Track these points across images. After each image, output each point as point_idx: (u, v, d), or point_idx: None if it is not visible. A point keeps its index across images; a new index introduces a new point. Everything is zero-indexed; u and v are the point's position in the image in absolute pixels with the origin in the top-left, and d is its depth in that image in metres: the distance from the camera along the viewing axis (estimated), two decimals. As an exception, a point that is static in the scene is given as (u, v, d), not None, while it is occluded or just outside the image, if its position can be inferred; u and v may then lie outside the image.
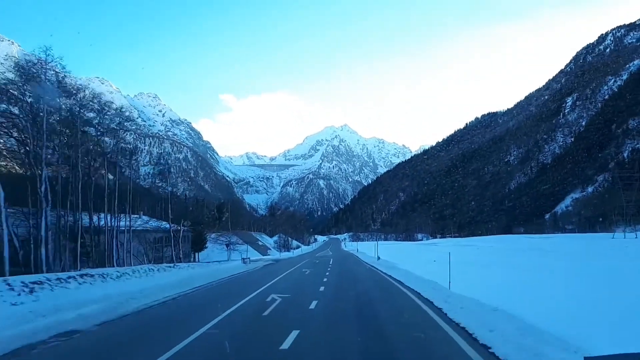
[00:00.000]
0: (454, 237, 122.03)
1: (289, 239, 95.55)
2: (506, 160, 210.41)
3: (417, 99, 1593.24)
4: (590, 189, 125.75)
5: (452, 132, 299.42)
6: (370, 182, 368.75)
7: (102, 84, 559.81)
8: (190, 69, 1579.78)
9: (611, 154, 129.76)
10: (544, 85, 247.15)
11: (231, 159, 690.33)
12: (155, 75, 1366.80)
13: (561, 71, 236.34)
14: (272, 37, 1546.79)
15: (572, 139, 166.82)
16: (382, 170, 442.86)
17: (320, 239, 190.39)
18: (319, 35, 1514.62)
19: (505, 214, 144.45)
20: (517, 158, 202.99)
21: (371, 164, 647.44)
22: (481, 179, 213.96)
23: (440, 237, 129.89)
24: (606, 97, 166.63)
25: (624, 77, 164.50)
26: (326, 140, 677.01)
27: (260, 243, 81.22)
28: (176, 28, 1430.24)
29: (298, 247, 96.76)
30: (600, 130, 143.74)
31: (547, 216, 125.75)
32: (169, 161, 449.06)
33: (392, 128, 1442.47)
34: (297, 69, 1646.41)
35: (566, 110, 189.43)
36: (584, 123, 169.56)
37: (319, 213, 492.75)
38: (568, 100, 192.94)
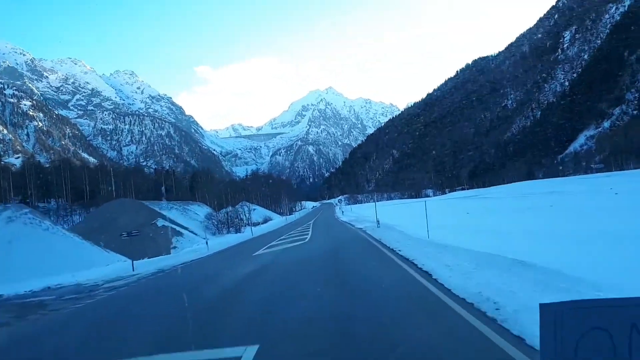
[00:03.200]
0: (464, 189, 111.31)
1: (247, 209, 59.83)
2: (503, 104, 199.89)
3: (402, 55, 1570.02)
4: (606, 124, 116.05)
5: (442, 81, 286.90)
6: (360, 143, 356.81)
7: (75, 64, 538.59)
8: (164, 43, 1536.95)
9: (626, 84, 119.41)
10: (535, 24, 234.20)
11: (217, 132, 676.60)
12: (130, 52, 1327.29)
13: (553, 7, 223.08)
14: (245, 2, 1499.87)
15: (575, 75, 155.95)
16: (371, 131, 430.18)
17: (309, 205, 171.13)
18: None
19: (511, 160, 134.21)
20: (515, 101, 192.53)
21: (359, 125, 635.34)
22: (480, 127, 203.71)
23: (450, 192, 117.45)
24: (609, 26, 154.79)
25: (627, 3, 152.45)
26: (312, 104, 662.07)
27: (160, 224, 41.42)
28: (145, 1, 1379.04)
29: (266, 220, 63.08)
30: (609, 61, 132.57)
31: (559, 157, 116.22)
32: (152, 139, 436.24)
33: (378, 87, 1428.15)
34: (275, 33, 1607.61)
35: (565, 46, 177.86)
36: (586, 57, 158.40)
37: (311, 180, 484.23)
38: (566, 35, 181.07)
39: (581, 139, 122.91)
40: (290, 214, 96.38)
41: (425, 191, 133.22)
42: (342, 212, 66.89)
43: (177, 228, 40.56)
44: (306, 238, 23.75)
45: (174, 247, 34.42)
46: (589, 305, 1.06)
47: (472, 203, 45.07)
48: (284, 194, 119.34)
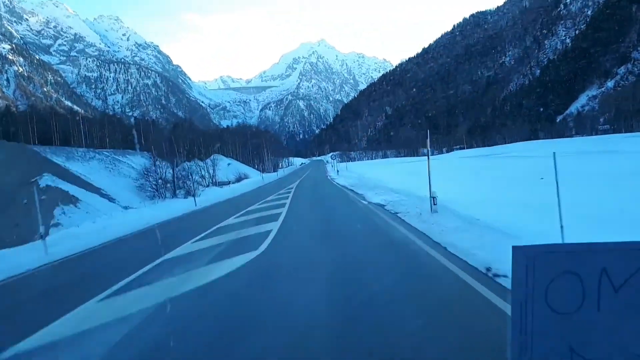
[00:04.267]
0: (463, 148, 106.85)
1: (210, 164, 49.35)
2: (501, 61, 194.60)
3: (398, 7, 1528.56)
4: (610, 84, 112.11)
5: (439, 36, 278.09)
6: (352, 99, 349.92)
7: (57, 7, 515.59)
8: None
9: (633, 42, 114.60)
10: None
11: (205, 83, 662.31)
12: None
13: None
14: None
15: (577, 32, 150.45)
16: (363, 87, 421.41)
17: (298, 162, 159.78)
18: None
19: (508, 119, 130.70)
20: (513, 58, 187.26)
21: (352, 80, 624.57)
22: (476, 84, 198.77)
23: (447, 152, 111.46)
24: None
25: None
26: (303, 57, 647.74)
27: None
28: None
29: (240, 179, 52.08)
30: (614, 17, 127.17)
31: (560, 118, 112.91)
32: (137, 88, 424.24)
33: (371, 42, 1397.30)
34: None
35: (567, 1, 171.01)
36: (589, 12, 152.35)
37: (301, 136, 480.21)
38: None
39: (582, 99, 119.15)
40: (274, 171, 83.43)
41: (422, 150, 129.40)
42: (337, 171, 52.00)
43: (73, 191, 25.15)
44: (270, 231, 9.99)
45: (56, 224, 20.93)
46: (561, 249, 1.08)
47: (505, 163, 32.81)
48: (269, 148, 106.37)
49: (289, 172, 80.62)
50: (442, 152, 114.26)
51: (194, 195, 24.93)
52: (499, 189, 15.07)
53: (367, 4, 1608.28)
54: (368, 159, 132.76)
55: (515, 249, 1.09)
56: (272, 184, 38.15)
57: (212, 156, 64.33)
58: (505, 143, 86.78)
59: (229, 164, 60.86)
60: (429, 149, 10.78)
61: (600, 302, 1.04)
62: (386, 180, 24.70)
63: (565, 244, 1.09)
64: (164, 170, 33.49)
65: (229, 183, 44.78)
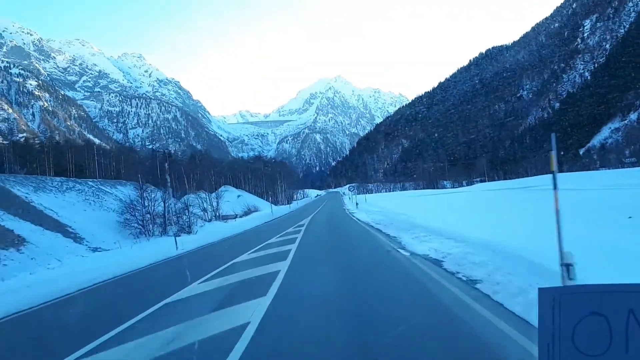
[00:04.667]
0: (483, 181, 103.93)
1: (214, 196, 43.54)
2: (519, 95, 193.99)
3: (413, 44, 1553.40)
4: (633, 117, 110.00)
5: (455, 70, 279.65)
6: (368, 132, 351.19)
7: (83, 46, 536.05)
8: (173, 27, 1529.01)
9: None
10: (551, 14, 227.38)
11: (224, 117, 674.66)
12: (139, 34, 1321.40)
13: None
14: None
15: (596, 65, 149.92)
16: (379, 120, 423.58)
17: (312, 193, 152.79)
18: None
19: (528, 152, 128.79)
20: (530, 92, 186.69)
21: (368, 115, 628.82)
22: (493, 118, 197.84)
23: (467, 184, 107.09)
24: (633, 13, 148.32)
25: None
26: (320, 92, 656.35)
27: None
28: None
29: (248, 213, 48.24)
30: (634, 50, 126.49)
31: (582, 151, 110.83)
32: (158, 122, 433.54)
33: (387, 77, 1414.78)
34: (285, 20, 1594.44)
35: (585, 35, 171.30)
36: (608, 46, 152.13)
37: (317, 168, 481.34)
38: (586, 24, 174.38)
39: (605, 131, 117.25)
40: (287, 203, 78.57)
41: (442, 182, 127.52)
42: (356, 204, 44.06)
43: (21, 229, 20.35)
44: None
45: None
46: (588, 290, 1.07)
47: (549, 196, 24.65)
48: (283, 180, 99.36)
49: (303, 204, 75.02)
50: (462, 185, 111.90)
51: (175, 237, 19.07)
52: (594, 232, 10.24)
53: (382, 40, 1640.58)
54: (386, 191, 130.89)
55: (541, 290, 1.08)
56: (281, 219, 34.01)
57: (221, 187, 61.37)
58: (527, 176, 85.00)
59: (238, 196, 57.31)
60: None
61: (629, 344, 1.02)
62: (420, 217, 20.33)
63: (591, 285, 1.08)
64: (153, 203, 27.77)
65: (235, 217, 40.42)
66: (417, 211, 26.05)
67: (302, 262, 10.38)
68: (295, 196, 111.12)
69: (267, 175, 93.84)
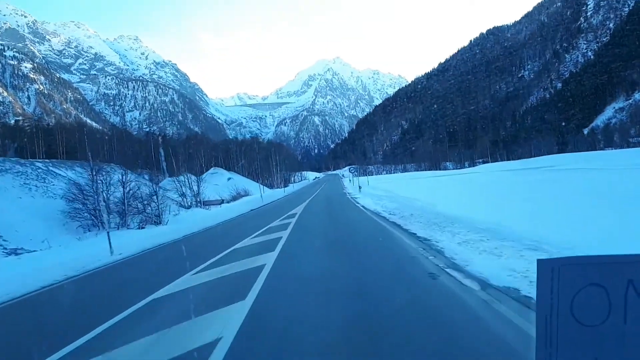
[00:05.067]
0: (486, 162, 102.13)
1: (194, 180, 36.34)
2: (520, 75, 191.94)
3: (412, 25, 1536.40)
4: (638, 96, 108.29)
5: (455, 51, 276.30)
6: (367, 114, 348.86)
7: (79, 28, 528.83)
8: (170, 8, 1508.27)
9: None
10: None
11: (222, 100, 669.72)
12: (135, 16, 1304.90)
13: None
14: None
15: (599, 45, 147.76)
16: (378, 102, 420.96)
17: (311, 176, 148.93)
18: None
19: (529, 133, 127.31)
20: (532, 72, 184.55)
21: (367, 96, 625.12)
22: (495, 98, 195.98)
23: (470, 166, 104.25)
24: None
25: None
26: (319, 74, 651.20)
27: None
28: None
29: (237, 197, 42.80)
30: (637, 29, 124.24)
31: (586, 131, 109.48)
32: (155, 105, 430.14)
33: (386, 58, 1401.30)
34: (282, 1, 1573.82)
35: (588, 14, 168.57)
36: (612, 25, 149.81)
37: (316, 151, 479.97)
38: (589, 3, 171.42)
39: (609, 111, 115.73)
40: (284, 186, 73.17)
41: (444, 163, 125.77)
42: (359, 187, 38.50)
43: None
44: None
45: None
46: (586, 261, 1.07)
47: (566, 177, 25.94)
48: (279, 162, 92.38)
49: (300, 187, 69.76)
50: (464, 166, 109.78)
51: (109, 236, 12.54)
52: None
53: (382, 21, 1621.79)
54: (386, 173, 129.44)
55: (540, 261, 1.09)
56: (272, 205, 29.45)
57: (210, 169, 57.51)
58: (531, 156, 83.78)
59: (229, 179, 53.21)
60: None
61: (627, 314, 1.03)
62: (441, 204, 15.72)
63: (591, 256, 1.08)
64: (107, 187, 20.81)
65: (220, 202, 35.37)
66: (432, 196, 21.33)
67: (274, 303, 5.32)
68: (292, 179, 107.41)
69: (263, 156, 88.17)
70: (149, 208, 22.16)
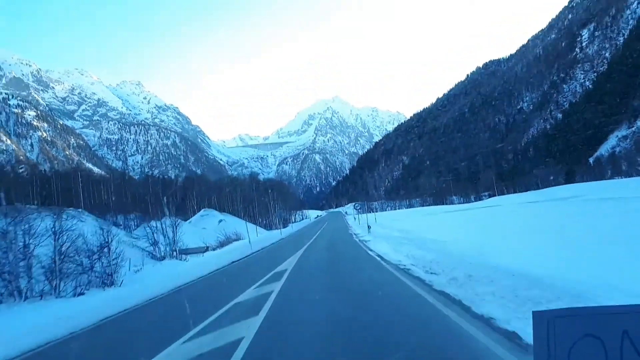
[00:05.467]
0: (492, 195, 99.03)
1: (168, 224, 28.15)
2: (519, 107, 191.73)
3: (409, 62, 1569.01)
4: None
5: (452, 85, 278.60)
6: (367, 150, 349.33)
7: (82, 75, 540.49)
8: (171, 54, 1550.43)
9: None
10: (547, 25, 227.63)
11: (224, 142, 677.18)
12: (137, 62, 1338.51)
13: (565, 7, 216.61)
14: (250, 14, 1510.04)
15: (596, 74, 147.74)
16: (378, 139, 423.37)
17: (312, 214, 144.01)
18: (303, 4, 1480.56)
19: (533, 164, 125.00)
20: (531, 103, 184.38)
21: (366, 133, 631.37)
22: (494, 131, 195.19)
23: (476, 200, 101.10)
24: (631, 21, 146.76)
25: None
26: (318, 113, 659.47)
27: None
28: (152, 12, 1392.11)
29: (225, 244, 36.43)
30: (636, 55, 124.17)
31: (591, 160, 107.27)
32: (157, 148, 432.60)
33: (384, 95, 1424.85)
34: (280, 44, 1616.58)
35: (583, 44, 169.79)
36: (608, 55, 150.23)
37: (318, 189, 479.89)
38: (584, 34, 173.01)
39: (612, 140, 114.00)
40: (284, 227, 68.38)
41: (450, 198, 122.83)
42: (368, 227, 31.55)
43: None
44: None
45: None
46: (582, 312, 1.07)
47: (595, 208, 22.64)
48: (277, 201, 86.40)
49: (300, 227, 63.66)
50: (470, 200, 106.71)
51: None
52: None
53: (379, 59, 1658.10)
54: (391, 209, 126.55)
55: (535, 314, 1.08)
56: (260, 254, 24.66)
57: (201, 211, 52.95)
58: (537, 188, 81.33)
59: (220, 221, 48.32)
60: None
61: None
62: (493, 251, 11.76)
63: (586, 308, 1.08)
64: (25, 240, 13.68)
65: (204, 250, 31.03)
66: (467, 237, 16.72)
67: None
68: (293, 218, 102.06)
69: (261, 196, 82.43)
70: (99, 264, 16.14)
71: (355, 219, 61.93)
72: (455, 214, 40.01)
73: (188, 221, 43.88)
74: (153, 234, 26.74)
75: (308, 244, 26.59)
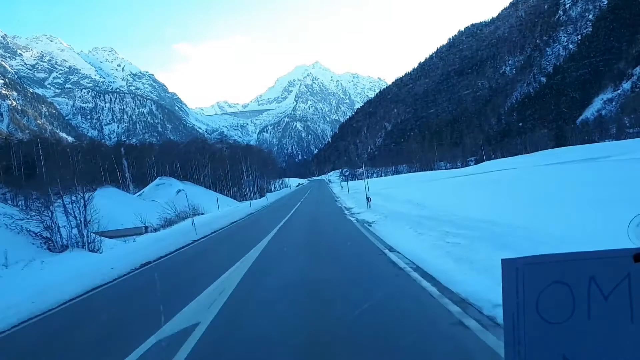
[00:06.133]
0: (478, 160, 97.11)
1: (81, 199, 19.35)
2: (502, 71, 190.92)
3: (390, 27, 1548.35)
4: (626, 86, 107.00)
5: (434, 50, 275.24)
6: (349, 117, 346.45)
7: (51, 41, 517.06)
8: (144, 19, 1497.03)
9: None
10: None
11: (202, 110, 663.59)
12: (109, 28, 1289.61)
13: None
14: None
15: (580, 36, 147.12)
16: (359, 106, 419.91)
17: (293, 183, 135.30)
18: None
19: (524, 126, 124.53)
20: (514, 67, 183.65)
21: (348, 100, 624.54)
22: (477, 95, 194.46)
23: (462, 166, 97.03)
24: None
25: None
26: (298, 80, 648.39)
27: None
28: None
29: (178, 220, 28.84)
30: (620, 17, 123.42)
31: (577, 123, 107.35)
32: (133, 117, 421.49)
33: (365, 61, 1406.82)
34: (258, 7, 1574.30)
35: (566, 6, 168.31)
36: (591, 17, 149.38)
37: (300, 157, 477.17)
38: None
39: (597, 103, 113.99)
40: (260, 197, 59.31)
41: (437, 163, 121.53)
42: (368, 200, 20.74)
43: None
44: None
45: None
46: (549, 259, 1.08)
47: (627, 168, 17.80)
48: (250, 167, 75.46)
49: (276, 198, 53.03)
50: (457, 166, 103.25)
51: None
52: None
53: (359, 24, 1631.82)
54: (377, 176, 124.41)
55: (504, 261, 1.09)
56: (212, 241, 17.08)
57: (156, 179, 46.05)
58: (526, 152, 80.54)
59: (178, 191, 40.79)
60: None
61: (591, 311, 1.05)
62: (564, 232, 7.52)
63: (554, 255, 1.09)
64: None
65: (142, 231, 25.27)
66: (505, 212, 11.84)
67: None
68: (272, 187, 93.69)
69: (235, 163, 72.77)
70: None
71: (342, 187, 54.50)
72: (465, 179, 32.45)
73: (139, 193, 37.78)
74: (51, 213, 18.08)
75: (281, 224, 18.88)
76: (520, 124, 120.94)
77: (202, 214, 29.90)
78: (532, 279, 1.07)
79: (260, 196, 59.90)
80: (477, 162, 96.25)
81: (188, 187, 44.42)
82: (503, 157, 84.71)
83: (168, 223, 26.80)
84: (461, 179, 34.13)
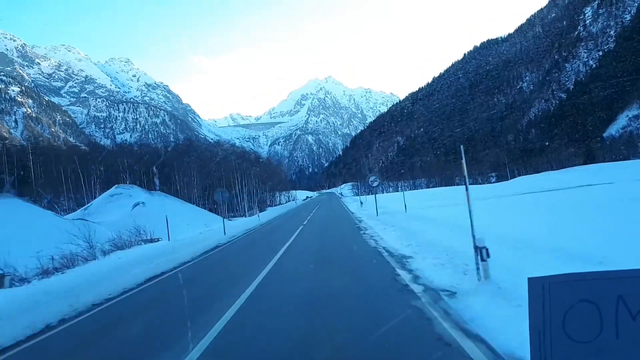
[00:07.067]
0: (498, 177, 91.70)
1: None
2: (519, 87, 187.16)
3: (404, 42, 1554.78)
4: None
5: (449, 65, 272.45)
6: (361, 130, 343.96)
7: (69, 51, 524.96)
8: (161, 31, 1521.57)
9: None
10: (546, 4, 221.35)
11: (215, 121, 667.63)
12: (126, 39, 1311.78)
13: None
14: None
15: (601, 53, 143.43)
16: (371, 120, 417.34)
17: (301, 195, 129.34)
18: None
19: (539, 145, 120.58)
20: (531, 83, 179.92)
21: (359, 115, 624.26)
22: (493, 111, 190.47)
23: (483, 182, 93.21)
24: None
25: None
26: (311, 94, 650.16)
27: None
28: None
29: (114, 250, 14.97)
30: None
31: (602, 139, 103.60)
32: (146, 126, 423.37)
33: (378, 76, 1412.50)
34: (273, 21, 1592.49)
35: (587, 22, 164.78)
36: (613, 32, 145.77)
37: (310, 170, 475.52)
38: (587, 11, 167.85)
39: (622, 120, 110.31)
40: (256, 214, 40.17)
41: (456, 179, 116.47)
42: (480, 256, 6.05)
43: None
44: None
45: None
46: (577, 278, 1.07)
47: None
48: (245, 177, 63.54)
49: (274, 216, 38.87)
50: (478, 182, 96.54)
51: None
52: None
53: (373, 39, 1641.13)
54: (393, 190, 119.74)
55: (531, 280, 1.08)
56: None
57: (111, 189, 34.78)
58: (552, 169, 76.53)
59: (136, 205, 31.54)
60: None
61: (619, 330, 1.04)
62: None
63: (581, 273, 1.07)
64: None
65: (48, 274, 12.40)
66: None
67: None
68: (277, 199, 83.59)
69: (229, 170, 63.05)
70: None
71: (362, 204, 40.08)
72: (526, 198, 25.62)
73: (85, 206, 29.37)
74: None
75: (274, 263, 10.39)
76: (547, 143, 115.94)
77: (154, 240, 19.09)
78: (558, 297, 1.06)
79: (260, 211, 44.88)
80: (498, 178, 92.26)
81: (156, 199, 35.11)
82: (527, 174, 79.27)
83: (67, 263, 13.48)
84: (539, 196, 26.73)
